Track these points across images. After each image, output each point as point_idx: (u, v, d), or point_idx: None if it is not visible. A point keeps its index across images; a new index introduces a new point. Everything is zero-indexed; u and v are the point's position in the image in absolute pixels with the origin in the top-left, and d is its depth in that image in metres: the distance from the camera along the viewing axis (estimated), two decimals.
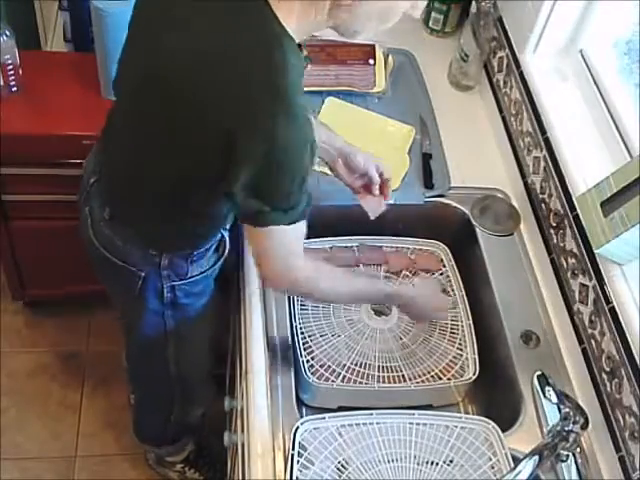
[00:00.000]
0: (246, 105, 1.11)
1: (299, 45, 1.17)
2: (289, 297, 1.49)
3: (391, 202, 1.64)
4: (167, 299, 1.49)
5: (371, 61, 1.86)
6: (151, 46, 1.23)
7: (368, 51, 1.88)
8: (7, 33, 1.77)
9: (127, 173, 1.39)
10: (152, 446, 2.07)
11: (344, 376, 1.43)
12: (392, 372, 1.45)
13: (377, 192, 1.55)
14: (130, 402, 2.12)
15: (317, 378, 1.42)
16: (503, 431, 1.32)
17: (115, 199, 1.44)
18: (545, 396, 1.18)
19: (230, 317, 1.76)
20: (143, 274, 1.45)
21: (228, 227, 1.52)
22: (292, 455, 1.24)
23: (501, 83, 1.81)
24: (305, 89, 1.79)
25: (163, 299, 1.49)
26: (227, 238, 1.53)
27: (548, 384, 1.19)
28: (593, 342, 1.37)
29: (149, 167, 1.31)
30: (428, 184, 1.66)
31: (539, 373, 1.21)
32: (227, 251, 1.54)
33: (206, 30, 1.13)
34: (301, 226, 1.25)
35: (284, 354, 1.39)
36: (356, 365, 1.45)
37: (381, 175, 1.53)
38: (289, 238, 1.26)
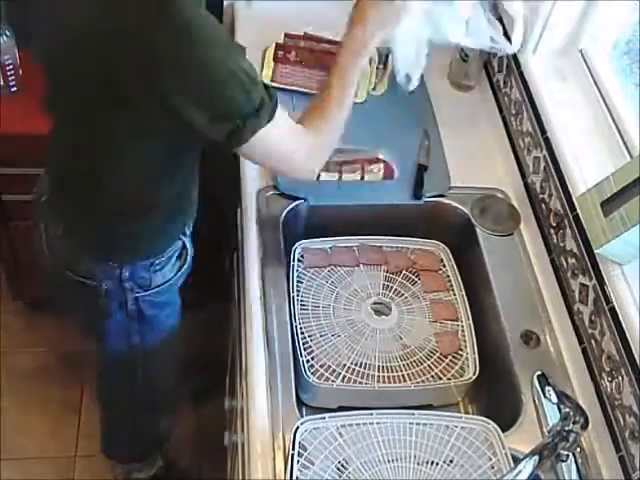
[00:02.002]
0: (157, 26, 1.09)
1: None
2: (288, 296, 1.48)
3: (391, 202, 1.65)
4: (132, 312, 1.48)
5: None
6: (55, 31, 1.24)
7: None
8: (7, 33, 1.77)
9: (77, 181, 1.36)
10: (120, 462, 2.03)
11: (344, 376, 1.43)
12: (392, 372, 1.45)
13: None
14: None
15: (317, 378, 1.42)
16: (503, 431, 1.32)
17: (68, 213, 1.42)
18: (545, 396, 1.18)
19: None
20: (105, 287, 1.43)
21: (188, 233, 1.50)
22: (292, 455, 1.24)
23: (501, 83, 1.81)
24: (289, 88, 1.79)
25: (128, 312, 1.48)
26: (189, 246, 1.51)
27: (548, 384, 1.19)
28: (593, 342, 1.37)
29: (98, 165, 1.29)
30: (417, 194, 1.65)
31: (539, 373, 1.21)
32: (189, 259, 1.52)
33: None
34: (280, 115, 1.21)
35: (284, 354, 1.39)
36: (356, 365, 1.45)
37: None
38: (281, 131, 1.23)
